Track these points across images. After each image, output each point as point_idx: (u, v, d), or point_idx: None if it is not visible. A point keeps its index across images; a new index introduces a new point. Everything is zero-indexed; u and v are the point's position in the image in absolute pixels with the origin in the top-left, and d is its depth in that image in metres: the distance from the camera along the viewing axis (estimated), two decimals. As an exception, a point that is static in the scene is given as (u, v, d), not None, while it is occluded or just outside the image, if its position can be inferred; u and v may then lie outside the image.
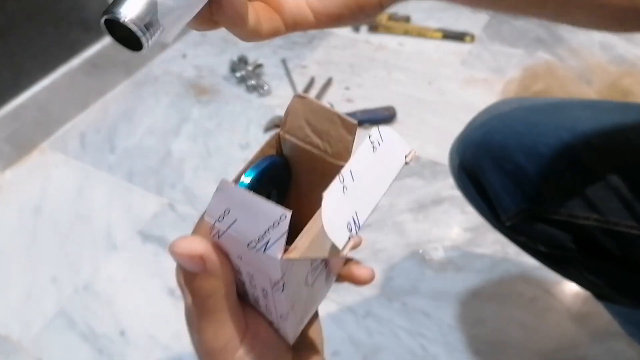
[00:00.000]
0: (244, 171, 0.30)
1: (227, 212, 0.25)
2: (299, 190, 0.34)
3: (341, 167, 0.28)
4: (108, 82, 1.32)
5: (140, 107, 1.30)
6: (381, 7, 0.35)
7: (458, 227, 1.06)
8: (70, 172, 1.16)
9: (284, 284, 0.27)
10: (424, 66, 1.42)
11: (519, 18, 1.49)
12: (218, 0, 0.28)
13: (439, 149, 1.20)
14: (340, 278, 0.35)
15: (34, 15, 1.12)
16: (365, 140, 0.26)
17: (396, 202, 1.10)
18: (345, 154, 0.30)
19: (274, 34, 0.32)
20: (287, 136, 0.31)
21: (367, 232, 1.05)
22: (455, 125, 1.21)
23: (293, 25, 0.33)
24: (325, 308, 0.93)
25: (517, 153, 0.59)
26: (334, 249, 0.24)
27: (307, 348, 0.35)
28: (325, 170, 0.30)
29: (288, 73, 1.38)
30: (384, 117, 1.25)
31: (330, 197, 0.24)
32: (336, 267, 0.35)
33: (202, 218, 0.27)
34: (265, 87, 1.32)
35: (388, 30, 1.52)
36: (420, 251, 1.02)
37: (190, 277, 0.28)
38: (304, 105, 0.30)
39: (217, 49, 1.46)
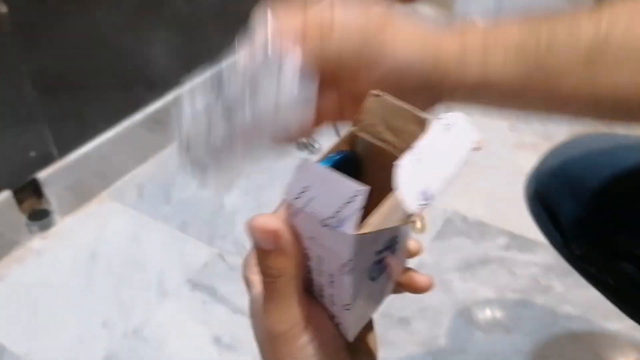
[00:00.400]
0: (318, 162, 0.31)
1: (305, 190, 0.27)
2: (370, 187, 0.35)
3: None
4: (167, 138, 1.39)
5: (194, 161, 1.36)
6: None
7: (506, 288, 1.05)
8: (127, 221, 1.20)
9: (351, 267, 0.28)
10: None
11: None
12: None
13: (487, 211, 1.20)
14: (400, 286, 0.36)
15: (103, 73, 1.21)
16: (437, 120, 0.28)
17: (443, 260, 1.10)
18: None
19: None
20: (361, 134, 0.32)
21: (414, 290, 1.04)
22: (504, 188, 1.22)
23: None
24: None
25: (594, 184, 0.60)
26: (406, 216, 0.25)
27: (364, 353, 0.35)
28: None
29: (337, 132, 1.42)
30: (430, 176, 1.27)
31: (404, 166, 0.26)
32: (396, 272, 0.35)
33: (279, 205, 0.29)
34: (316, 145, 1.36)
35: (435, 94, 1.57)
36: (468, 311, 1.00)
37: (262, 255, 0.29)
38: (379, 103, 0.31)
39: (269, 109, 1.52)
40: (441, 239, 1.14)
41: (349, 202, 0.26)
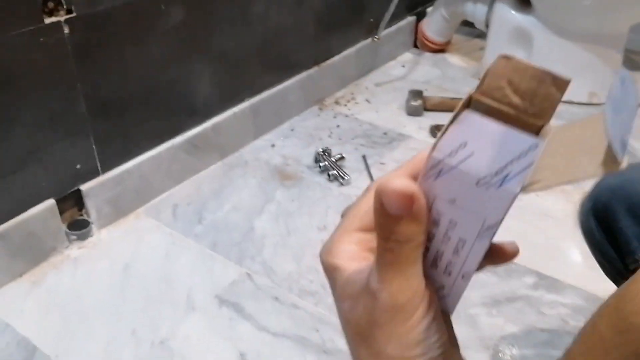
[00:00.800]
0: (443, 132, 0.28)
1: (463, 145, 0.25)
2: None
3: (541, 126, 0.27)
4: (204, 162, 1.44)
5: (229, 186, 1.40)
6: None
7: (534, 326, 1.04)
8: (161, 237, 1.24)
9: (495, 231, 0.26)
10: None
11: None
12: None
13: (515, 249, 1.20)
14: (490, 257, 0.32)
15: (150, 97, 1.28)
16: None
17: (469, 295, 1.10)
18: (550, 111, 0.28)
19: None
20: (482, 98, 0.29)
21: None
22: (531, 230, 1.23)
23: None
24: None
25: None
26: (612, 161, 0.24)
27: (452, 337, 0.33)
28: (522, 129, 0.27)
29: (367, 167, 1.46)
30: (459, 214, 1.28)
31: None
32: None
33: (402, 167, 0.28)
34: (346, 178, 1.39)
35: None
36: (494, 346, 1.00)
37: (391, 221, 0.26)
38: (508, 65, 0.28)
39: (303, 142, 1.57)
40: (468, 275, 1.14)
41: (519, 157, 0.24)
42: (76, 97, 1.13)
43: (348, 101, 1.78)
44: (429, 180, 0.26)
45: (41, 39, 1.04)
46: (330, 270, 0.31)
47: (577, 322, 1.04)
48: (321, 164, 1.44)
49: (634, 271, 0.66)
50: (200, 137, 1.40)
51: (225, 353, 0.98)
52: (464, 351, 1.03)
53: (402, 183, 0.26)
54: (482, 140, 0.25)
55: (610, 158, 1.20)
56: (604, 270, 0.71)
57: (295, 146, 1.56)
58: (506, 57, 0.28)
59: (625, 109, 1.03)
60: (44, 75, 1.07)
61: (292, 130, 1.63)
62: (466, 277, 0.29)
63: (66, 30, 1.07)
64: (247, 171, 1.45)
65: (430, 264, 0.30)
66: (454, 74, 1.96)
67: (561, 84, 0.27)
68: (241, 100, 1.51)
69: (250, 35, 1.46)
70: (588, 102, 1.77)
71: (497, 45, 1.87)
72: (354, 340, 0.30)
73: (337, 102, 1.77)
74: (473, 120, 0.25)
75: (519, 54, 1.81)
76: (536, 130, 0.26)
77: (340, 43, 1.79)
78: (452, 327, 0.33)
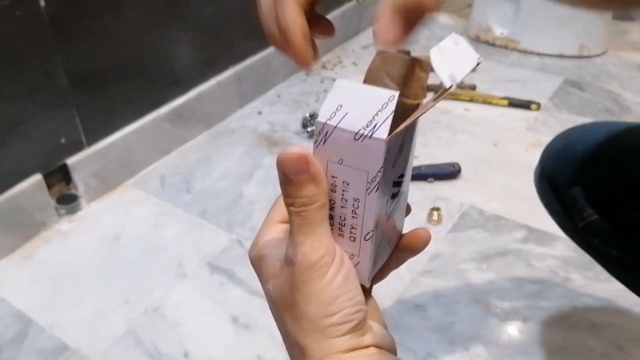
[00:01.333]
0: None
1: (339, 107, 0.29)
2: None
3: (417, 104, 0.32)
4: (190, 132, 1.43)
5: (216, 154, 1.39)
6: None
7: (524, 279, 1.05)
8: (149, 208, 1.24)
9: (379, 182, 0.29)
10: (489, 129, 1.46)
11: None
12: None
13: (504, 205, 1.21)
14: (400, 248, 0.36)
15: (131, 67, 1.26)
16: (447, 38, 0.31)
17: (459, 251, 1.10)
18: (420, 91, 0.32)
19: None
20: None
21: (429, 278, 1.05)
22: (520, 184, 1.23)
23: None
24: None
25: (595, 159, 0.62)
26: (441, 92, 0.28)
27: (373, 308, 0.35)
28: (405, 112, 0.32)
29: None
30: (448, 172, 1.28)
31: (435, 53, 0.29)
32: (399, 223, 0.36)
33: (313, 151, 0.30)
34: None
35: (454, 96, 1.58)
36: (484, 299, 1.01)
37: (293, 187, 0.29)
38: (383, 59, 0.32)
39: (290, 108, 1.56)
40: (457, 231, 1.15)
41: (382, 108, 0.28)
42: (56, 69, 1.11)
43: (335, 65, 1.76)
44: (320, 146, 0.30)
45: (17, 12, 1.02)
46: (257, 262, 0.33)
47: (567, 273, 1.05)
48: (309, 129, 1.43)
49: (584, 229, 0.68)
50: (184, 107, 1.39)
51: (217, 317, 0.99)
52: (454, 304, 1.04)
53: (296, 149, 0.29)
54: (353, 100, 0.28)
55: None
56: (561, 229, 0.74)
57: (282, 112, 1.54)
58: (381, 53, 0.32)
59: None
60: (21, 48, 1.05)
61: (278, 96, 1.62)
62: (369, 238, 0.31)
63: (42, 2, 1.05)
64: (234, 139, 1.44)
65: (337, 234, 0.32)
66: (442, 33, 1.93)
67: (425, 66, 0.31)
68: (225, 68, 1.49)
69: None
70: (579, 55, 1.75)
71: (484, 2, 1.84)
72: (279, 313, 0.31)
73: (323, 67, 1.75)
74: (345, 85, 0.29)
75: (507, 10, 1.79)
76: (414, 108, 0.31)
77: (324, 6, 1.76)
78: (377, 307, 0.35)
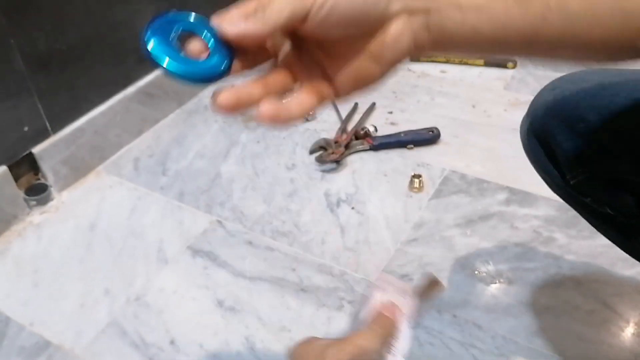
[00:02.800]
0: None
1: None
2: None
3: None
4: (161, 111, 1.38)
5: (191, 133, 1.35)
6: (381, 79, 0.40)
7: (508, 241, 1.04)
8: (124, 193, 1.20)
9: None
10: (467, 91, 1.44)
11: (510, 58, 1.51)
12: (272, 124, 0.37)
13: (485, 168, 1.20)
14: None
15: (93, 46, 1.20)
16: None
17: (443, 217, 1.09)
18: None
19: (307, 110, 0.39)
20: None
21: (414, 247, 1.04)
22: (501, 145, 1.22)
23: (321, 100, 0.40)
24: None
25: (589, 112, 0.59)
26: None
27: None
28: None
29: (337, 110, 1.41)
30: (427, 137, 1.26)
31: None
32: None
33: None
34: (311, 113, 1.35)
35: (430, 59, 1.55)
36: (470, 264, 1.00)
37: None
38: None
39: (263, 79, 1.51)
40: (440, 198, 1.14)
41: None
42: (11, 54, 1.05)
43: (306, 32, 1.71)
44: None
45: (-38, -6, 0.96)
46: None
47: (550, 233, 1.05)
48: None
49: (575, 188, 0.66)
50: (153, 85, 1.34)
51: (202, 302, 0.97)
52: (440, 272, 1.03)
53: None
54: None
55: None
56: (550, 187, 0.71)
57: (255, 85, 1.50)
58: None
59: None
60: (-29, 34, 0.99)
61: (251, 70, 1.57)
62: None
63: (-11, -19, 0.99)
64: (208, 116, 1.40)
65: None
66: None
67: None
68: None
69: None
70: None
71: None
72: None
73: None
74: None
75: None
76: None
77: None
78: None
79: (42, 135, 1.15)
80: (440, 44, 0.37)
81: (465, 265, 1.00)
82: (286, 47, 0.40)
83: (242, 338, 0.91)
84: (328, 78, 0.39)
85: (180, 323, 0.94)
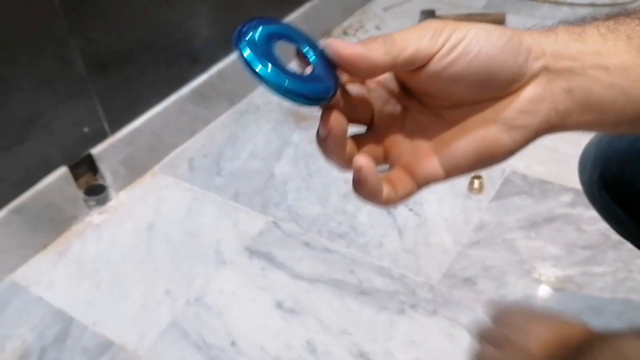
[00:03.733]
0: None
1: None
2: None
3: None
4: (213, 111, 1.38)
5: (243, 133, 1.35)
6: (511, 153, 0.33)
7: (575, 244, 1.00)
8: (181, 194, 1.20)
9: None
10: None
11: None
12: (357, 181, 0.31)
13: (547, 168, 1.16)
14: None
15: (149, 47, 1.21)
16: None
17: (504, 220, 1.06)
18: None
19: (406, 197, 0.34)
20: None
21: (476, 249, 1.01)
22: (563, 145, 1.17)
23: (425, 183, 0.34)
24: (439, 324, 0.89)
25: None
26: None
27: None
28: None
29: (384, 98, 1.39)
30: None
31: None
32: None
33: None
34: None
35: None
36: (535, 268, 0.97)
37: None
38: None
39: (313, 79, 1.50)
40: (501, 199, 1.10)
41: None
42: (72, 56, 1.07)
43: (357, 30, 1.69)
44: None
45: (27, -2, 0.97)
46: None
47: (619, 236, 1.00)
48: (335, 100, 1.38)
49: None
50: (206, 86, 1.34)
51: (262, 303, 0.96)
52: (504, 276, 1.00)
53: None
54: None
55: None
56: (631, 243, 0.63)
57: (306, 84, 1.49)
58: None
59: None
60: (33, 36, 1.00)
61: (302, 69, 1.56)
62: None
63: (51, -15, 1.00)
64: (260, 116, 1.40)
65: None
66: (464, -11, 1.85)
67: None
68: (244, 41, 1.42)
69: (246, -30, 1.37)
70: (611, 3, 1.66)
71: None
72: None
73: (345, 32, 1.68)
74: None
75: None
76: None
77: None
78: None
79: (101, 136, 1.16)
80: (585, 110, 0.32)
81: (529, 269, 0.97)
82: (389, 106, 0.35)
83: (302, 341, 0.90)
84: (429, 154, 0.34)
85: (240, 324, 0.93)
